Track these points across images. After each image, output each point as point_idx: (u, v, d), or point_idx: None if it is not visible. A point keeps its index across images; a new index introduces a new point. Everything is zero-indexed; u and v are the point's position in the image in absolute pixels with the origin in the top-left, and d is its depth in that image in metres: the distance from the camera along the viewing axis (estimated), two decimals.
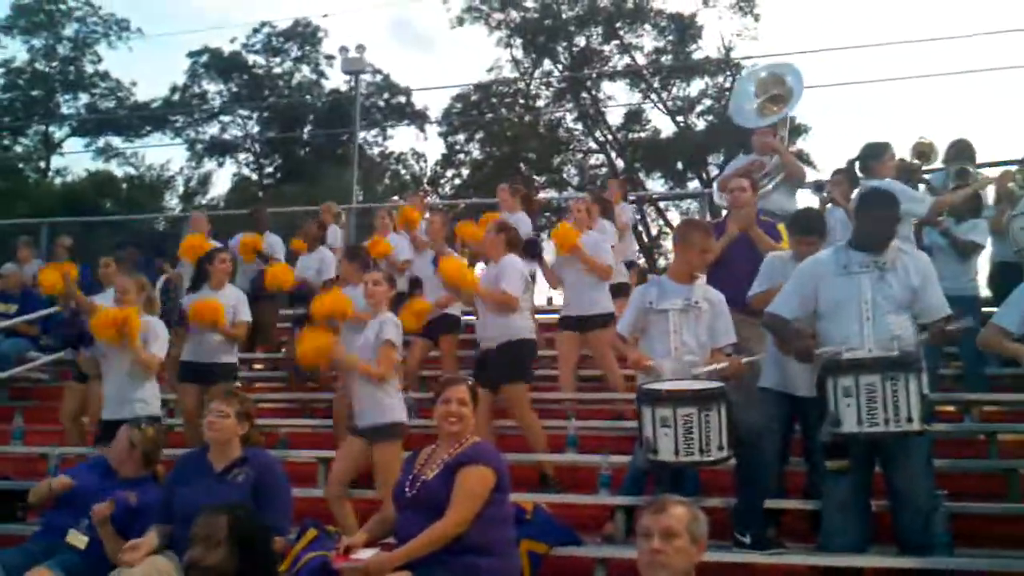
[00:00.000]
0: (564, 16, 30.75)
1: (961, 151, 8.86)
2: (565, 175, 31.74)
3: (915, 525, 4.89)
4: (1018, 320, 5.23)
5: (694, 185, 28.25)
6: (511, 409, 7.13)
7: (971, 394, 7.48)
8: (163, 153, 52.56)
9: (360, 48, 24.05)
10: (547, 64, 32.03)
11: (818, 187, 9.50)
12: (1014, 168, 8.52)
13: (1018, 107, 41.79)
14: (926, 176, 9.19)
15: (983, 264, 8.65)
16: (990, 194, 8.59)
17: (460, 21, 31.26)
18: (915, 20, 43.10)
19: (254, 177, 35.59)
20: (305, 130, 34.93)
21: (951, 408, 7.55)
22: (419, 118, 33.82)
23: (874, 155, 7.56)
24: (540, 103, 32.25)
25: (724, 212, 7.49)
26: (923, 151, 9.38)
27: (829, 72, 44.24)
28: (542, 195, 24.84)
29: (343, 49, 24.57)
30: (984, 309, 7.70)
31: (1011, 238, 7.37)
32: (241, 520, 4.15)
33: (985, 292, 8.71)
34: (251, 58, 35.51)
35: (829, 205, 8.34)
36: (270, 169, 35.92)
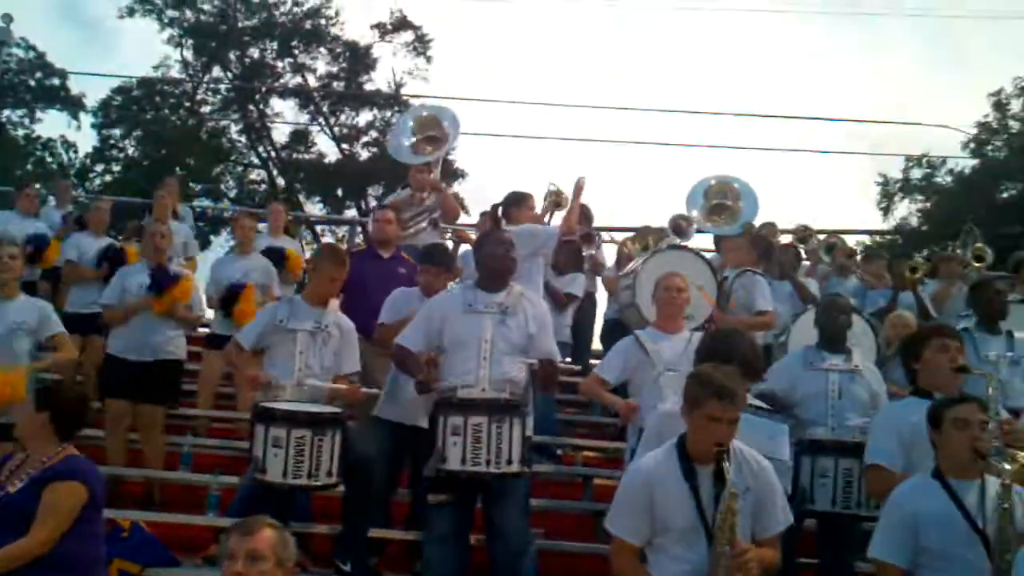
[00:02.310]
0: (240, 25, 29.98)
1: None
2: (224, 187, 30.75)
3: (507, 560, 5.10)
4: (617, 372, 5.66)
5: (352, 213, 28.34)
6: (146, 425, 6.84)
7: (576, 440, 8.00)
8: None
9: (6, 17, 22.00)
10: (217, 71, 31.02)
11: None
12: (631, 235, 9.35)
13: (643, 179, 45.71)
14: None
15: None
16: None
17: (131, 12, 29.55)
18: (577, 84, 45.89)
19: None
20: None
21: None
22: (74, 105, 31.45)
23: (515, 202, 7.90)
24: (205, 109, 31.13)
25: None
26: (557, 201, 10.00)
27: (492, 122, 46.10)
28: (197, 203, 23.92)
29: None
30: (593, 361, 8.29)
31: (618, 296, 8.04)
32: None
33: (597, 345, 9.44)
34: None
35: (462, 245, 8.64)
36: None
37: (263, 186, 29.89)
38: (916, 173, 27.72)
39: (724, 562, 3.48)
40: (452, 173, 26.70)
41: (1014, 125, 27.23)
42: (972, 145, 27.09)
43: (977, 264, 9.79)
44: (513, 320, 5.26)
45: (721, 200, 9.98)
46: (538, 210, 8.36)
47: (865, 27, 53.99)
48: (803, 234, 10.62)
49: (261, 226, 9.97)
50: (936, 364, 4.47)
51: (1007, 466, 3.70)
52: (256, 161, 31.40)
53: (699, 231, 10.13)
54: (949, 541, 3.70)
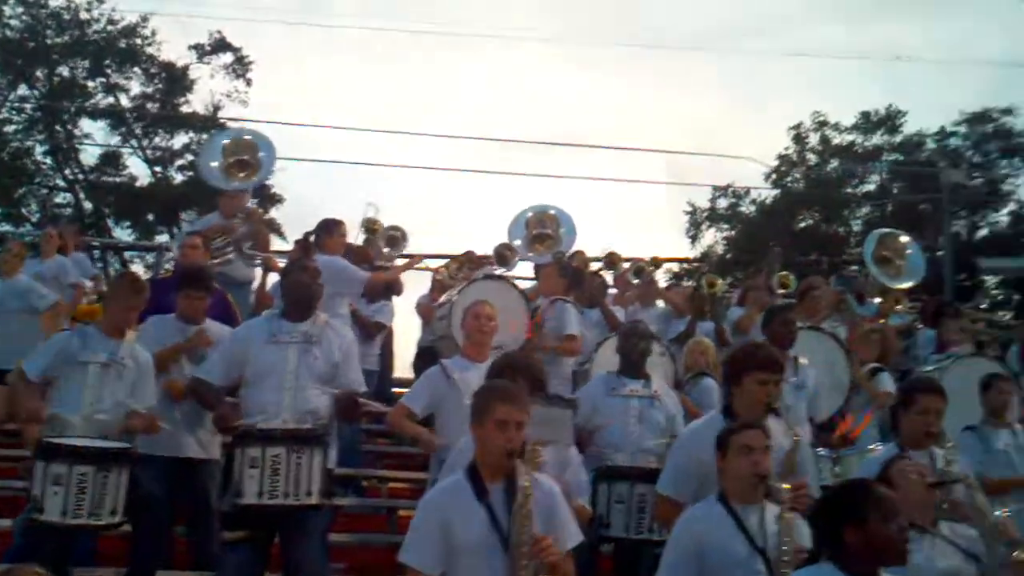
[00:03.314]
0: (50, 42, 28.60)
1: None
2: (25, 210, 29.16)
3: None
4: (423, 402, 5.65)
5: (163, 238, 27.38)
6: None
7: (382, 471, 7.94)
8: None
9: None
10: (23, 89, 29.46)
11: None
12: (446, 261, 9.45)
13: (464, 205, 46.11)
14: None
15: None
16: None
17: None
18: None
19: None
20: None
21: None
22: None
23: (326, 229, 7.84)
24: (9, 128, 29.47)
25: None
26: (371, 227, 10.02)
27: (311, 146, 45.50)
28: None
29: None
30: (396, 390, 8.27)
31: (434, 326, 8.05)
32: None
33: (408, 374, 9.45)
34: None
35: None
36: None
37: (68, 210, 28.48)
38: (722, 203, 29.05)
39: (525, 558, 3.47)
40: (269, 198, 26.21)
41: (812, 158, 28.93)
42: (773, 176, 28.61)
43: (782, 291, 10.24)
44: (318, 349, 5.18)
45: (542, 230, 10.24)
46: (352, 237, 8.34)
47: (674, 63, 56.50)
48: (610, 260, 10.93)
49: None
50: (752, 397, 4.44)
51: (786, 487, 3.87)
52: (62, 184, 29.95)
53: (522, 260, 10.32)
54: (730, 564, 3.81)
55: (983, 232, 27.60)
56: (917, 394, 4.89)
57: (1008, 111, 27.38)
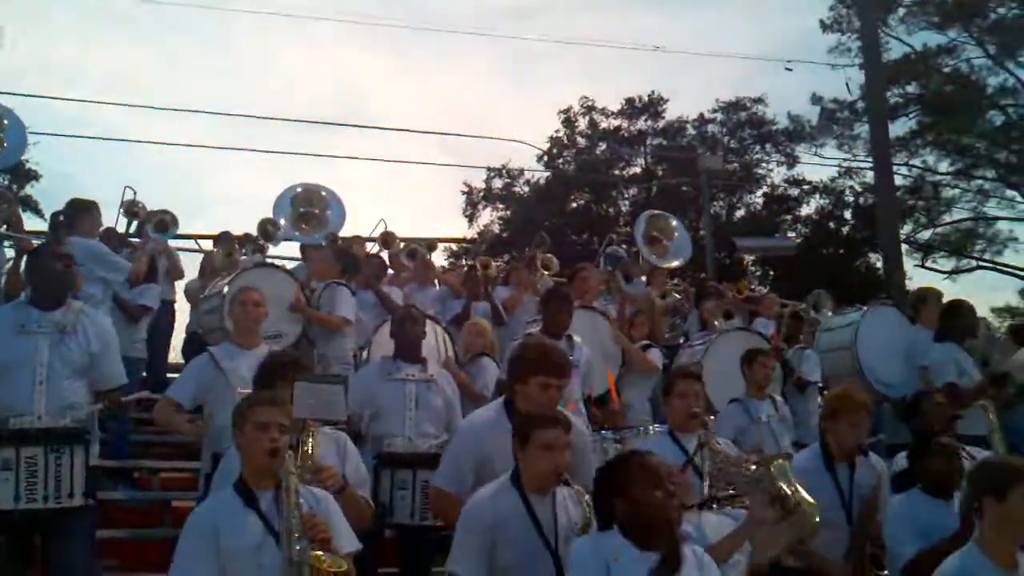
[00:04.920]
0: None
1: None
2: None
3: None
4: (191, 393, 5.40)
5: None
6: None
7: (154, 462, 7.59)
8: None
9: None
10: None
11: None
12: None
13: (231, 184, 44.81)
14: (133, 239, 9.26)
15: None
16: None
17: None
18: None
19: None
20: None
21: None
22: None
23: (78, 211, 7.33)
24: None
25: None
26: (132, 210, 9.51)
27: (71, 122, 42.77)
28: None
29: None
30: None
31: (201, 319, 7.80)
32: None
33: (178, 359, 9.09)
34: None
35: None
36: None
37: None
38: (497, 183, 29.50)
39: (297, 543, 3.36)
40: (24, 175, 24.45)
41: (581, 141, 29.80)
42: (545, 158, 29.30)
43: (546, 272, 10.56)
44: (73, 340, 4.86)
45: (308, 208, 10.02)
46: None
47: (449, 45, 56.87)
48: (385, 240, 10.89)
49: None
50: (533, 399, 4.35)
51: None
52: None
53: (287, 239, 10.09)
54: (522, 550, 3.79)
55: (740, 213, 29.29)
56: (675, 379, 5.06)
57: (760, 100, 29.18)
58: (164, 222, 9.41)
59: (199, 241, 10.67)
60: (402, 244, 10.92)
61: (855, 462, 4.87)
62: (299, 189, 10.03)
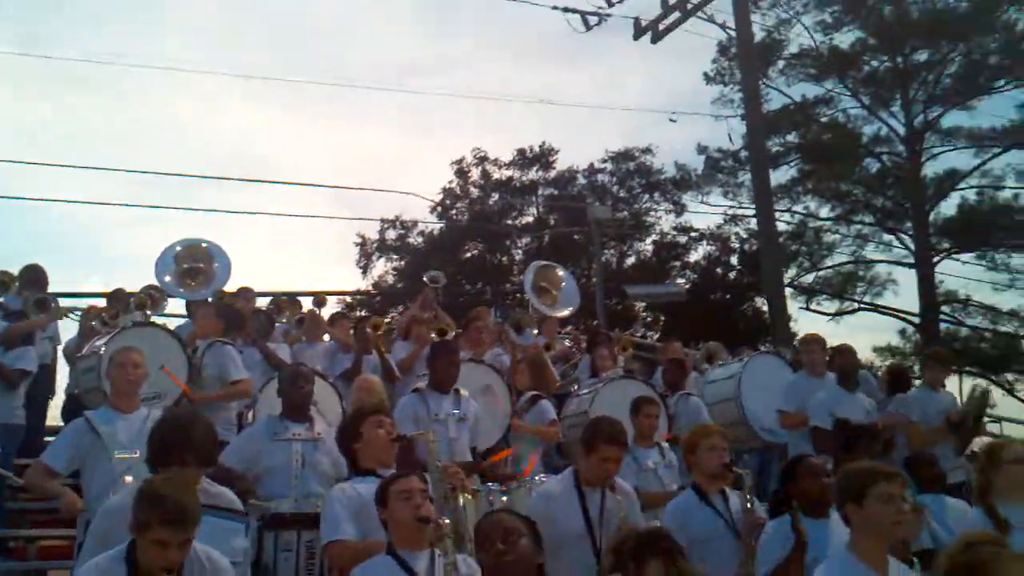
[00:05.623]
0: None
1: (33, 279, 8.93)
2: None
3: None
4: (66, 459, 5.23)
5: None
6: None
7: (31, 531, 7.31)
8: None
9: None
10: None
11: None
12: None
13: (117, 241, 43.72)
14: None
15: None
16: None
17: None
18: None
19: None
20: None
21: None
22: None
23: None
24: None
25: None
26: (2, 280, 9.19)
27: None
28: None
29: None
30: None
31: (79, 378, 7.57)
32: None
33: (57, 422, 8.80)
34: None
35: None
36: None
37: None
38: (391, 234, 29.44)
39: None
40: None
41: (474, 191, 30.00)
42: (439, 209, 29.40)
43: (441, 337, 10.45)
44: None
45: (193, 263, 9.77)
46: None
47: (347, 100, 56.77)
48: (279, 307, 10.80)
49: None
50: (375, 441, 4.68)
51: (448, 537, 3.93)
52: None
53: (171, 296, 9.84)
54: None
55: (631, 260, 29.75)
56: (600, 443, 5.03)
57: (648, 150, 29.84)
58: (44, 302, 9.07)
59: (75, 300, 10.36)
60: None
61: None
62: (179, 247, 9.78)
